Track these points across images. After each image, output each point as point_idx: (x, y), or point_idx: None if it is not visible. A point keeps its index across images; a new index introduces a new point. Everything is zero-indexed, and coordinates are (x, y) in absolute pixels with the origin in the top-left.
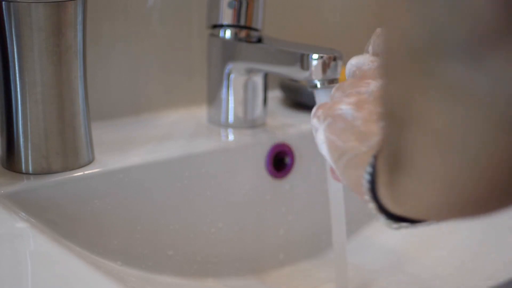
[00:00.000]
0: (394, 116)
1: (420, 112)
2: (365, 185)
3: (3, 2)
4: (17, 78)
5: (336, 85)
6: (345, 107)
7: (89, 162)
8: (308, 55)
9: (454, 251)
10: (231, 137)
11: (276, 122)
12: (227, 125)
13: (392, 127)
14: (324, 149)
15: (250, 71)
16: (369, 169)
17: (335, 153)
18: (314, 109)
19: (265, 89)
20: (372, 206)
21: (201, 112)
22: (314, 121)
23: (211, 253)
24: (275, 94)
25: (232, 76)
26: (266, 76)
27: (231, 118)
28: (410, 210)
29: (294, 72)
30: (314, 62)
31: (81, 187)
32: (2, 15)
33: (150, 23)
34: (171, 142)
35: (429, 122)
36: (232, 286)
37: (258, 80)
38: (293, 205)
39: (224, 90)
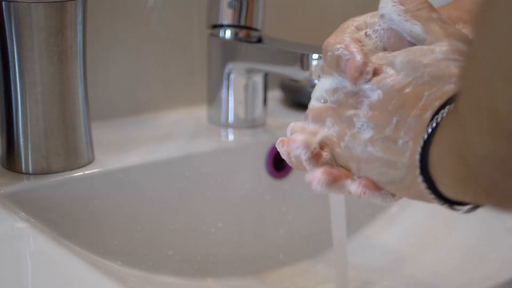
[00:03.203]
0: (495, 165)
1: None
2: (433, 197)
3: (3, 2)
4: (17, 78)
5: (307, 112)
6: (361, 148)
7: (89, 162)
8: (308, 55)
9: (454, 251)
10: (231, 137)
11: (276, 122)
12: (227, 125)
13: (488, 172)
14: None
15: (250, 71)
16: (424, 184)
17: (386, 183)
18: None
19: (265, 89)
20: (447, 207)
21: (201, 112)
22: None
23: (211, 253)
24: (275, 94)
25: (232, 76)
26: (266, 76)
27: (231, 118)
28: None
29: (294, 72)
30: (314, 62)
31: (81, 187)
32: (2, 15)
33: (150, 23)
34: (171, 142)
35: None
36: (232, 286)
37: (258, 80)
38: (293, 205)
39: (224, 90)
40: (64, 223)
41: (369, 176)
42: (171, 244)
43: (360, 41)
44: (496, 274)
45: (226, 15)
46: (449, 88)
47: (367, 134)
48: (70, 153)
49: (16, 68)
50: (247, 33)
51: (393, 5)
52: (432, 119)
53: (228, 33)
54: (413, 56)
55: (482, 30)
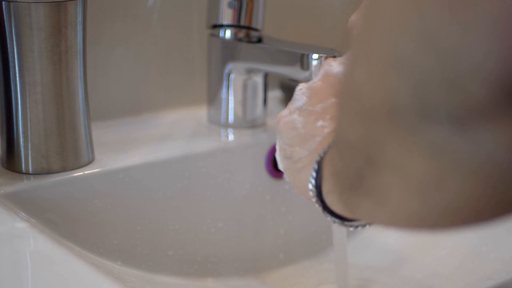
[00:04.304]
0: (363, 153)
1: (396, 159)
2: (311, 189)
3: (3, 2)
4: (17, 78)
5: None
6: (286, 113)
7: (89, 162)
8: (308, 55)
9: (454, 251)
10: (231, 137)
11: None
12: (227, 125)
13: (356, 160)
14: (278, 160)
15: (250, 71)
16: (313, 174)
17: (284, 160)
18: None
19: (265, 89)
20: (319, 207)
21: (201, 112)
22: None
23: (211, 253)
24: (275, 94)
25: (232, 76)
26: (266, 76)
27: (231, 118)
28: (363, 218)
29: (294, 72)
30: (314, 62)
31: (81, 187)
32: (2, 15)
33: (150, 24)
34: (171, 142)
35: (405, 169)
36: (232, 286)
37: (258, 80)
38: (293, 205)
39: (224, 90)
40: (64, 223)
41: (282, 142)
42: (171, 244)
43: None
44: (496, 274)
45: (226, 15)
46: None
47: (299, 102)
48: (70, 153)
49: (16, 68)
50: (247, 33)
51: None
52: None
53: (228, 33)
54: None
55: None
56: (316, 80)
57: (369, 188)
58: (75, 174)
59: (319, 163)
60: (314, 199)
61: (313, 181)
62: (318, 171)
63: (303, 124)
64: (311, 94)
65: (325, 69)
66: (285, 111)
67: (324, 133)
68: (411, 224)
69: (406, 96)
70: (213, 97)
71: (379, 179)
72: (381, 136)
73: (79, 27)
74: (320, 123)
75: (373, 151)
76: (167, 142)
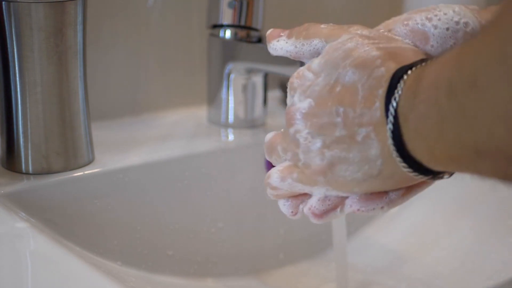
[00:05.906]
0: None
1: None
2: (417, 176)
3: (3, 2)
4: (17, 78)
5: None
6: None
7: (89, 162)
8: None
9: (454, 251)
10: (231, 137)
11: (276, 122)
12: (227, 125)
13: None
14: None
15: (250, 71)
16: (406, 164)
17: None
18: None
19: (265, 89)
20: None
21: (201, 112)
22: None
23: (211, 253)
24: (275, 94)
25: (232, 76)
26: (266, 76)
27: (231, 118)
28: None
29: (294, 72)
30: None
31: (81, 187)
32: (2, 15)
33: (150, 23)
34: (171, 142)
35: None
36: (232, 286)
37: (258, 80)
38: None
39: (224, 90)
40: (64, 223)
41: (342, 180)
42: (171, 244)
43: None
44: (496, 274)
45: (226, 15)
46: (381, 73)
47: (317, 144)
48: (70, 153)
49: (16, 68)
50: (247, 33)
51: (285, 42)
52: (387, 108)
53: (228, 33)
54: (328, 55)
55: None
56: (302, 124)
57: None
58: (75, 174)
59: (408, 159)
60: (427, 179)
61: (415, 174)
62: (412, 166)
63: (345, 151)
64: (316, 133)
65: (300, 114)
66: (318, 158)
67: (373, 138)
68: None
69: None
70: (213, 97)
71: None
72: None
73: (79, 27)
74: (359, 137)
75: None
76: (167, 142)
